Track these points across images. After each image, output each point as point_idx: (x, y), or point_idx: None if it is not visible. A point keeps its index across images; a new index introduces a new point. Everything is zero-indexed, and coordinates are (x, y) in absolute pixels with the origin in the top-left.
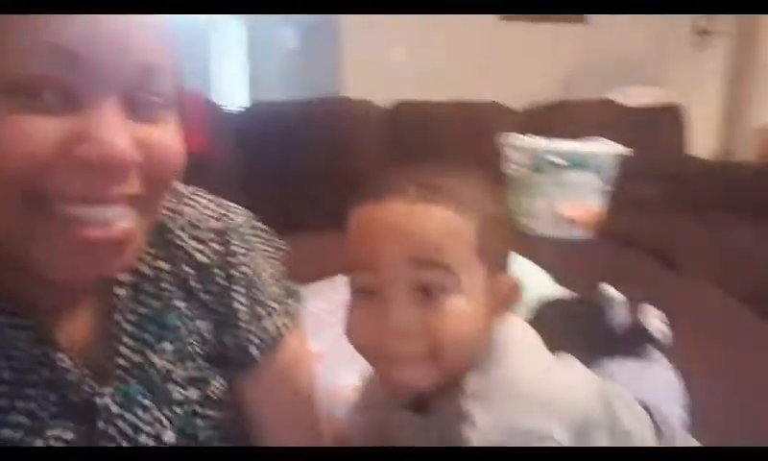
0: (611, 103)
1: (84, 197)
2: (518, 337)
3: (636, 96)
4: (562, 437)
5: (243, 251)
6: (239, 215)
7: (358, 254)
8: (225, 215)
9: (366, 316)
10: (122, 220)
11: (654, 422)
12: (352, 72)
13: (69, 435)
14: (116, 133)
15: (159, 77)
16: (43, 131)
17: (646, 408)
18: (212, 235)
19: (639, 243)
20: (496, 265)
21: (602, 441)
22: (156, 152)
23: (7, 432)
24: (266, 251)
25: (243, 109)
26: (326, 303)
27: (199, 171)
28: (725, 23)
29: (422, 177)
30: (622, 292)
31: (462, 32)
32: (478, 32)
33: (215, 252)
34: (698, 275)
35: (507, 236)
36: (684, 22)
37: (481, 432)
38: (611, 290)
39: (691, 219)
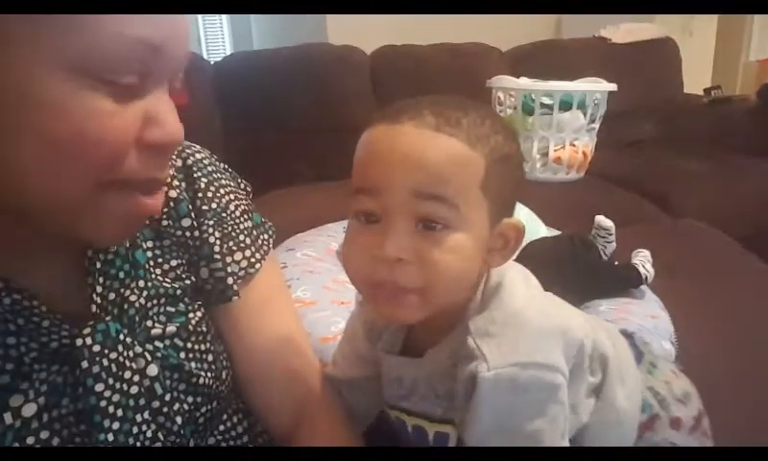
0: (602, 41)
1: (148, 178)
2: (516, 276)
3: (628, 33)
4: (565, 369)
5: (208, 185)
6: (199, 152)
7: (364, 176)
8: (184, 152)
9: (364, 240)
10: (161, 192)
11: (635, 346)
12: (336, 19)
13: (56, 378)
14: (176, 116)
15: (185, 61)
16: (123, 119)
17: (629, 335)
18: (177, 172)
19: (633, 184)
20: (502, 206)
21: (587, 373)
22: None
23: None
24: (229, 185)
25: (223, 60)
26: (314, 252)
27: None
28: None
29: (439, 106)
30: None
31: None
32: None
33: (183, 187)
34: (694, 214)
35: (515, 178)
36: None
37: (492, 366)
38: (604, 220)
39: (686, 157)
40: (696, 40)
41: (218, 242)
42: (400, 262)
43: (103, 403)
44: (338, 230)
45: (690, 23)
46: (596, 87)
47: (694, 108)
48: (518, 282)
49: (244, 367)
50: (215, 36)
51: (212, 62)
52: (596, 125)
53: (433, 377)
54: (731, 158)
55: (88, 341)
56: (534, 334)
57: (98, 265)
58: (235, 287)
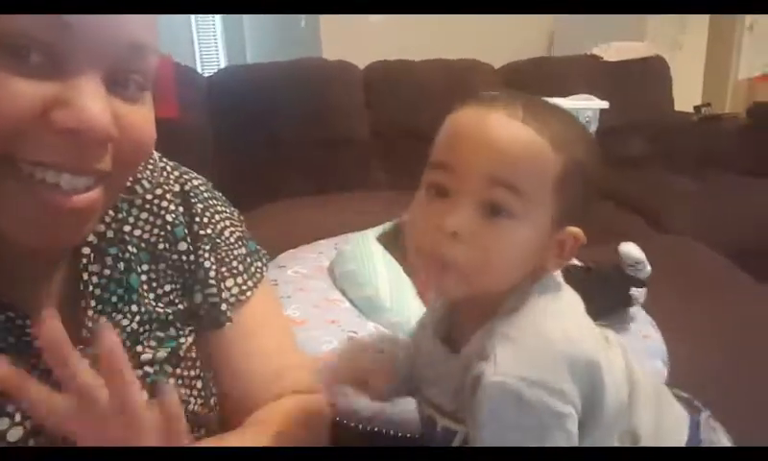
0: (594, 58)
1: (57, 164)
2: (563, 295)
3: (619, 51)
4: (577, 401)
5: (204, 211)
6: (196, 178)
7: (445, 151)
8: (181, 177)
9: (428, 212)
10: (88, 192)
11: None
12: (330, 33)
13: None
14: (98, 104)
15: (144, 55)
16: (25, 93)
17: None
18: (174, 197)
19: (624, 201)
20: (569, 212)
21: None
22: (130, 132)
23: None
24: (224, 212)
25: (216, 73)
26: (305, 269)
27: (170, 137)
28: None
29: (532, 103)
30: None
31: None
32: None
33: (180, 211)
34: (684, 231)
35: (588, 189)
36: None
37: (499, 371)
38: (631, 248)
39: (676, 175)
40: (686, 56)
41: (213, 267)
42: (454, 237)
43: None
44: (329, 247)
45: (681, 38)
46: (588, 105)
47: (684, 125)
48: (560, 300)
49: (232, 394)
50: (209, 50)
51: (206, 76)
52: None
53: (459, 373)
54: (721, 177)
55: None
56: (552, 355)
57: (91, 288)
58: (228, 313)
